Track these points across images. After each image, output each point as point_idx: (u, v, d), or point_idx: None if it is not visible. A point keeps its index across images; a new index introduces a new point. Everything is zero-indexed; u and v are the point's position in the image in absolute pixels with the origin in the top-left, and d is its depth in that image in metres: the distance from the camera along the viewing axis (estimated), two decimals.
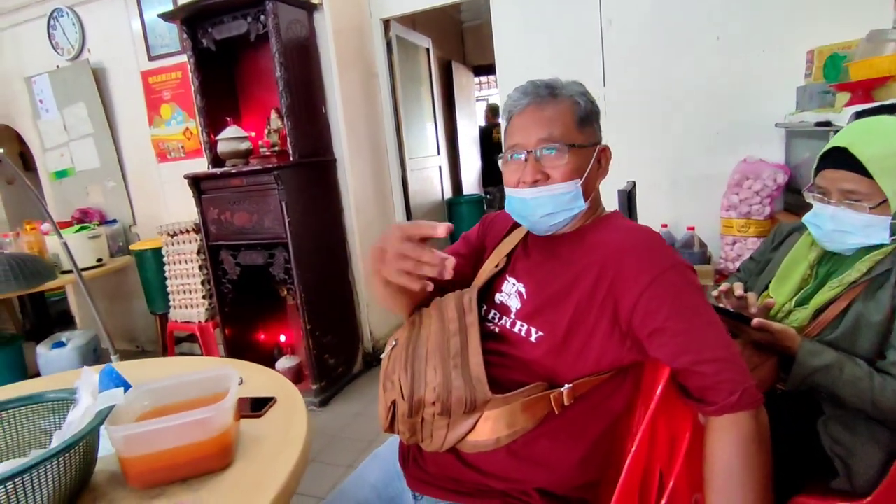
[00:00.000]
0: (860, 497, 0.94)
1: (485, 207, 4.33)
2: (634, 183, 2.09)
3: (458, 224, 4.14)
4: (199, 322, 2.78)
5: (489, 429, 0.77)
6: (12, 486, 0.64)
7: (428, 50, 3.85)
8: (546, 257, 0.89)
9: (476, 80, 5.62)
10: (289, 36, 2.42)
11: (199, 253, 2.76)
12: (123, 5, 3.14)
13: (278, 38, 2.34)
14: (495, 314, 0.91)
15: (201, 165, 2.98)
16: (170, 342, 2.99)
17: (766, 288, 1.13)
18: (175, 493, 0.77)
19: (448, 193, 4.20)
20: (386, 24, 3.06)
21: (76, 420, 0.74)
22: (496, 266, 0.93)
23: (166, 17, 2.55)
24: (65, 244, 2.39)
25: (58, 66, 3.42)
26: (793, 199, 2.19)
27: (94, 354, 2.98)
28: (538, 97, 0.86)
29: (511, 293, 0.90)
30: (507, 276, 0.93)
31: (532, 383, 0.78)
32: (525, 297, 0.87)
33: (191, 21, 2.50)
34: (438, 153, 4.02)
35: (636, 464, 0.67)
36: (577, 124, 0.85)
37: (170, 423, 0.76)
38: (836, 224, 0.99)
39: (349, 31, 2.82)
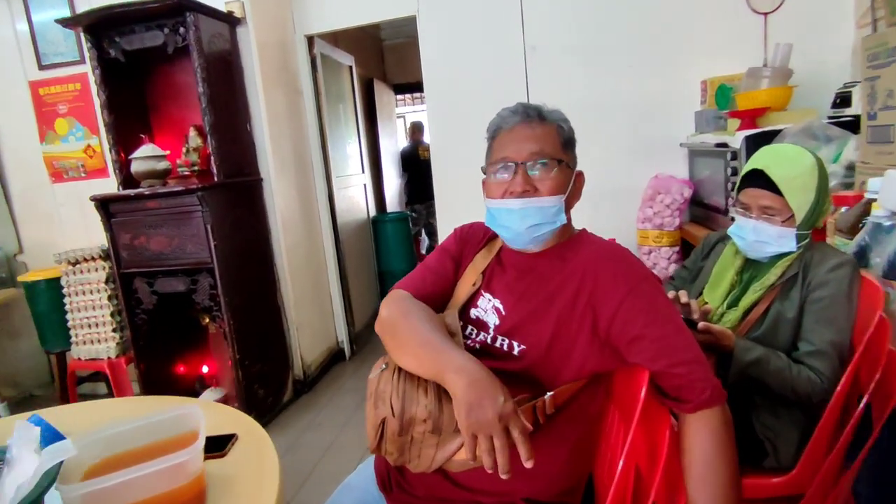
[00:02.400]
0: (786, 471, 1.07)
1: (410, 225, 4.36)
2: None
3: (384, 241, 4.12)
4: (109, 358, 2.51)
5: None
6: None
7: (351, 68, 3.83)
8: (522, 273, 0.92)
9: (397, 97, 5.66)
10: (211, 50, 2.31)
11: (107, 282, 2.50)
12: (6, 6, 2.81)
13: (200, 52, 2.22)
14: (472, 330, 0.93)
15: (106, 186, 2.73)
16: (71, 383, 2.67)
17: (701, 293, 1.26)
18: None
19: (373, 211, 4.17)
20: (310, 40, 3.02)
21: (27, 480, 0.65)
22: (473, 285, 0.95)
23: (66, 23, 2.32)
24: None
25: None
26: (697, 211, 2.44)
27: None
28: (528, 117, 0.90)
29: (487, 309, 0.92)
30: (482, 291, 0.95)
31: (517, 396, 0.80)
32: (503, 312, 0.90)
33: (95, 29, 2.29)
34: (363, 171, 3.99)
35: (629, 464, 0.72)
36: (562, 146, 0.90)
37: (138, 472, 0.69)
38: (756, 235, 1.12)
39: (273, 47, 2.74)
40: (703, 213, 2.37)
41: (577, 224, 0.99)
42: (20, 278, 2.74)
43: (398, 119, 6.11)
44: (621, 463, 0.70)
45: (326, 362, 3.12)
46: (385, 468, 0.93)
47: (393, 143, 5.08)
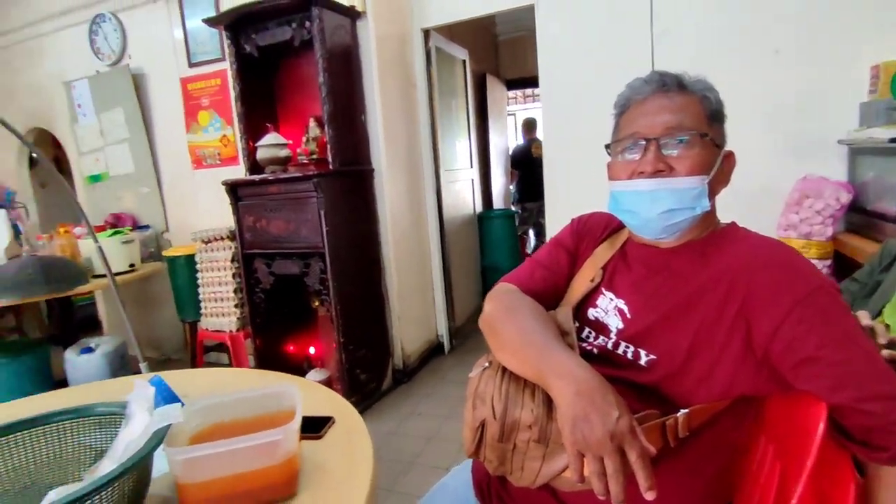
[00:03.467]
0: None
1: (516, 223, 4.25)
2: None
3: (489, 238, 4.05)
4: (231, 331, 2.72)
5: None
6: None
7: (464, 62, 3.81)
8: (654, 271, 0.80)
9: (508, 95, 5.57)
10: (333, 43, 2.39)
11: (232, 261, 2.71)
12: (166, 12, 3.16)
13: (323, 45, 2.31)
14: (589, 332, 0.82)
15: (237, 172, 2.95)
16: (199, 351, 2.94)
17: (880, 313, 1.03)
18: None
19: (479, 207, 4.13)
20: (426, 34, 3.03)
21: (135, 439, 0.66)
22: (591, 280, 0.84)
23: (210, 22, 2.55)
24: (100, 248, 2.36)
25: (97, 72, 3.45)
26: (857, 219, 2.07)
27: (121, 361, 2.94)
28: (664, 86, 0.77)
29: (608, 310, 0.81)
30: (602, 289, 0.83)
31: (643, 411, 0.68)
32: (628, 315, 0.78)
33: (235, 27, 2.48)
34: (471, 166, 3.96)
35: None
36: (707, 119, 0.76)
37: (234, 445, 0.68)
38: None
39: (391, 40, 2.78)
40: (864, 220, 2.00)
41: None
42: (164, 253, 3.07)
43: (508, 117, 6.02)
44: None
45: (425, 354, 3.13)
46: (485, 475, 0.86)
47: (503, 139, 5.01)
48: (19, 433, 0.76)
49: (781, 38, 2.23)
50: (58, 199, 4.49)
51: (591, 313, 0.83)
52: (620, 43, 2.49)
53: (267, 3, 2.32)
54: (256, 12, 2.38)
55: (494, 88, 4.78)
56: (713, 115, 0.77)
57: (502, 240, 4.06)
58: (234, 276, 2.72)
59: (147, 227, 3.44)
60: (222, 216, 3.04)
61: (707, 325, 0.69)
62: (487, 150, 4.59)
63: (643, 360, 0.73)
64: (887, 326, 0.97)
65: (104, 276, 2.91)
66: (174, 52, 3.20)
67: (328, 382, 2.59)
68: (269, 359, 2.65)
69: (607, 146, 0.85)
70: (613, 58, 2.51)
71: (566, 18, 2.58)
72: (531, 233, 5.10)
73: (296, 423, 0.72)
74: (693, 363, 0.69)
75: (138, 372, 2.75)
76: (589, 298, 0.85)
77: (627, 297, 0.80)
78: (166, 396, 0.97)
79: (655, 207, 0.75)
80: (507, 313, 0.80)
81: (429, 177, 3.16)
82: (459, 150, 3.75)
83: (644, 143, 0.76)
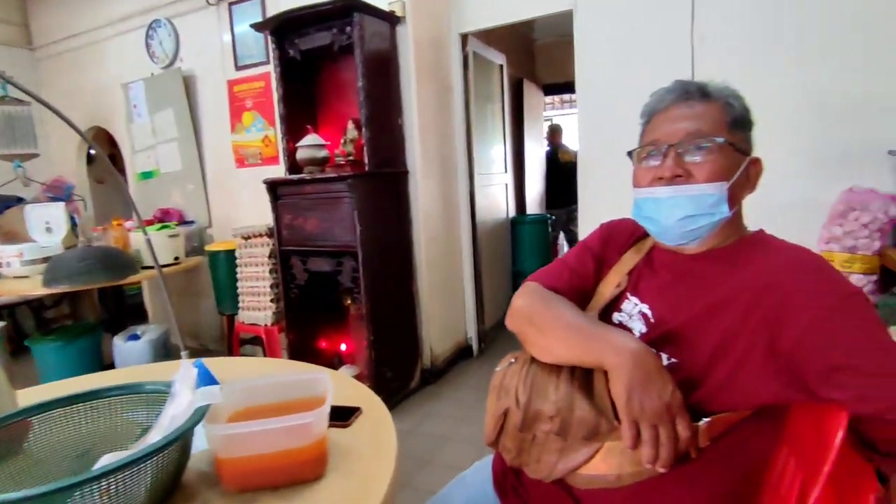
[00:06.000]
0: None
1: (549, 229, 4.24)
2: None
3: (522, 243, 4.06)
4: (266, 325, 2.82)
5: (612, 463, 0.69)
6: (114, 480, 0.62)
7: (501, 66, 3.84)
8: (679, 277, 0.80)
9: (546, 99, 5.57)
10: (371, 48, 2.46)
11: (270, 257, 2.81)
12: (216, 18, 3.30)
13: (362, 50, 2.38)
14: None
15: (277, 172, 3.06)
16: (236, 343, 3.05)
17: None
18: (267, 500, 0.73)
19: (512, 212, 4.14)
20: (464, 38, 3.07)
21: (179, 414, 0.71)
22: (617, 286, 0.86)
23: (257, 27, 2.66)
24: (148, 241, 2.48)
25: (152, 74, 3.64)
26: None
27: (164, 349, 3.08)
28: (686, 93, 0.79)
29: (633, 314, 0.82)
30: (627, 294, 0.85)
31: None
32: (652, 319, 0.79)
33: (279, 31, 2.58)
34: (506, 171, 3.98)
35: None
36: (729, 126, 0.77)
37: (269, 426, 0.73)
38: None
39: (428, 45, 2.84)
40: None
41: None
42: (207, 248, 3.20)
43: (545, 122, 6.02)
44: None
45: (454, 356, 3.16)
46: (502, 468, 0.88)
47: (539, 145, 5.00)
48: (78, 405, 0.83)
49: (830, 43, 2.16)
50: (112, 194, 4.74)
51: (616, 317, 0.85)
52: (660, 48, 2.46)
53: (309, 9, 2.40)
54: (299, 17, 2.46)
55: (531, 93, 4.78)
56: (736, 122, 0.78)
57: (535, 245, 4.06)
58: (271, 272, 2.82)
59: (192, 222, 3.59)
60: (262, 214, 3.15)
61: (731, 331, 0.69)
62: (522, 156, 4.59)
63: (664, 364, 0.74)
64: None
65: (152, 267, 3.08)
66: (222, 55, 3.34)
67: (357, 379, 2.65)
68: (302, 353, 2.73)
69: (630, 153, 0.86)
70: (652, 63, 2.48)
71: (605, 23, 2.57)
72: (562, 238, 5.06)
73: (325, 408, 0.76)
74: (715, 368, 0.69)
75: (179, 359, 2.89)
76: (614, 303, 0.86)
77: (651, 302, 0.80)
78: (206, 379, 1.03)
79: (673, 214, 0.77)
80: (543, 305, 0.82)
81: (462, 180, 3.19)
82: (494, 155, 3.78)
83: (664, 148, 0.78)
